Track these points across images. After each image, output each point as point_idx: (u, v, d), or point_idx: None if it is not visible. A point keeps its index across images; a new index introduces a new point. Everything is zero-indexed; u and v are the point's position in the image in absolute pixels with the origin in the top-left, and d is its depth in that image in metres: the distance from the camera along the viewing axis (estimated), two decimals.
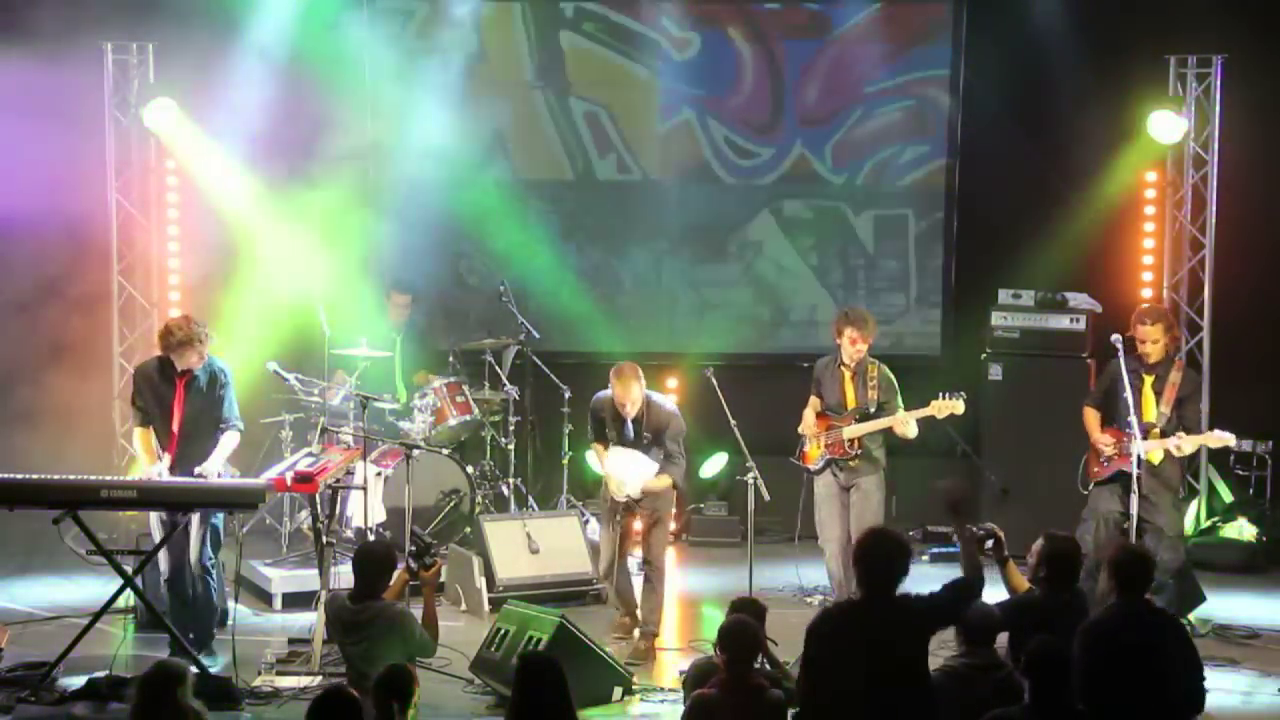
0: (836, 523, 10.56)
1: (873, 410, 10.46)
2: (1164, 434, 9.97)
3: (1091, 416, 10.25)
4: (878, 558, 7.02)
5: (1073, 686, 6.92)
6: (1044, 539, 8.09)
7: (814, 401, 10.70)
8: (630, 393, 10.04)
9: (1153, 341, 10.08)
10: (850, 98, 13.17)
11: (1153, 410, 10.00)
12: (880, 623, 6.90)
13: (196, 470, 9.44)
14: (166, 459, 9.53)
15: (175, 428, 9.54)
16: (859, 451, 10.46)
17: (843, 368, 10.53)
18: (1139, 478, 9.70)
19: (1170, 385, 10.06)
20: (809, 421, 10.63)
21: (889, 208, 13.27)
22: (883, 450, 10.60)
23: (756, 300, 13.37)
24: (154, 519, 9.69)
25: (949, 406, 10.40)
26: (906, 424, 10.34)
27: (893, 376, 10.56)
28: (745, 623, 7.32)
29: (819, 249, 13.34)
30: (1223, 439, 10.14)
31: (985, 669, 7.46)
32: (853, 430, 10.44)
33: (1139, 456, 9.67)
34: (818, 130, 13.23)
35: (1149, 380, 10.06)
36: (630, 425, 10.15)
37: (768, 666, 8.56)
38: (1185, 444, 9.96)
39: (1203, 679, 7.48)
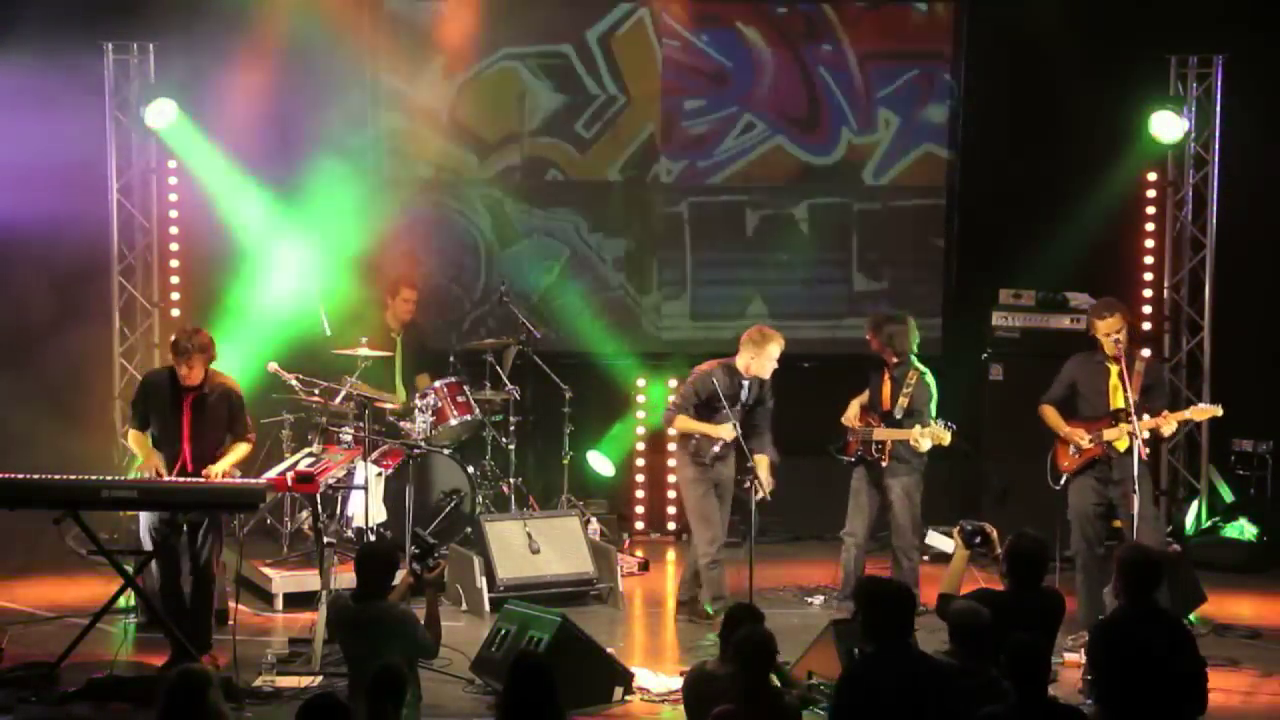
0: (860, 518, 10.65)
1: (899, 416, 10.50)
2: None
3: (1052, 413, 10.21)
4: (877, 607, 7.10)
5: (1045, 683, 6.89)
6: (1012, 538, 8.08)
7: (863, 394, 10.75)
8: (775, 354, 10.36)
9: (1116, 333, 10.00)
10: (844, 98, 13.16)
11: (1121, 398, 10.00)
12: (899, 682, 6.91)
13: (205, 471, 9.41)
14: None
15: (187, 448, 9.52)
16: (889, 454, 10.50)
17: (885, 369, 10.61)
18: (1109, 468, 9.69)
19: (1136, 374, 10.05)
20: (852, 414, 10.67)
21: (884, 205, 13.24)
22: (914, 452, 10.59)
23: (756, 299, 13.32)
24: (144, 528, 9.65)
25: (930, 434, 10.42)
26: (921, 439, 10.38)
27: (932, 386, 10.59)
28: (762, 634, 7.24)
29: (816, 248, 13.30)
30: (1207, 410, 10.12)
31: (964, 673, 7.37)
32: (880, 434, 10.51)
33: (1138, 454, 9.65)
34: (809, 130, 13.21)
35: (1114, 370, 10.03)
36: (748, 390, 10.39)
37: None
38: (1165, 424, 9.95)
39: (1205, 681, 7.49)
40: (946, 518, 12.44)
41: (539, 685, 6.69)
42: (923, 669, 7.02)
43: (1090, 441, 10.02)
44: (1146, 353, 11.34)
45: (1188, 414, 10.31)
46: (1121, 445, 9.91)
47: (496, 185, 13.13)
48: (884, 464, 10.55)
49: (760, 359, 10.35)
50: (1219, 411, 10.15)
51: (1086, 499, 10.08)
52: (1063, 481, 10.18)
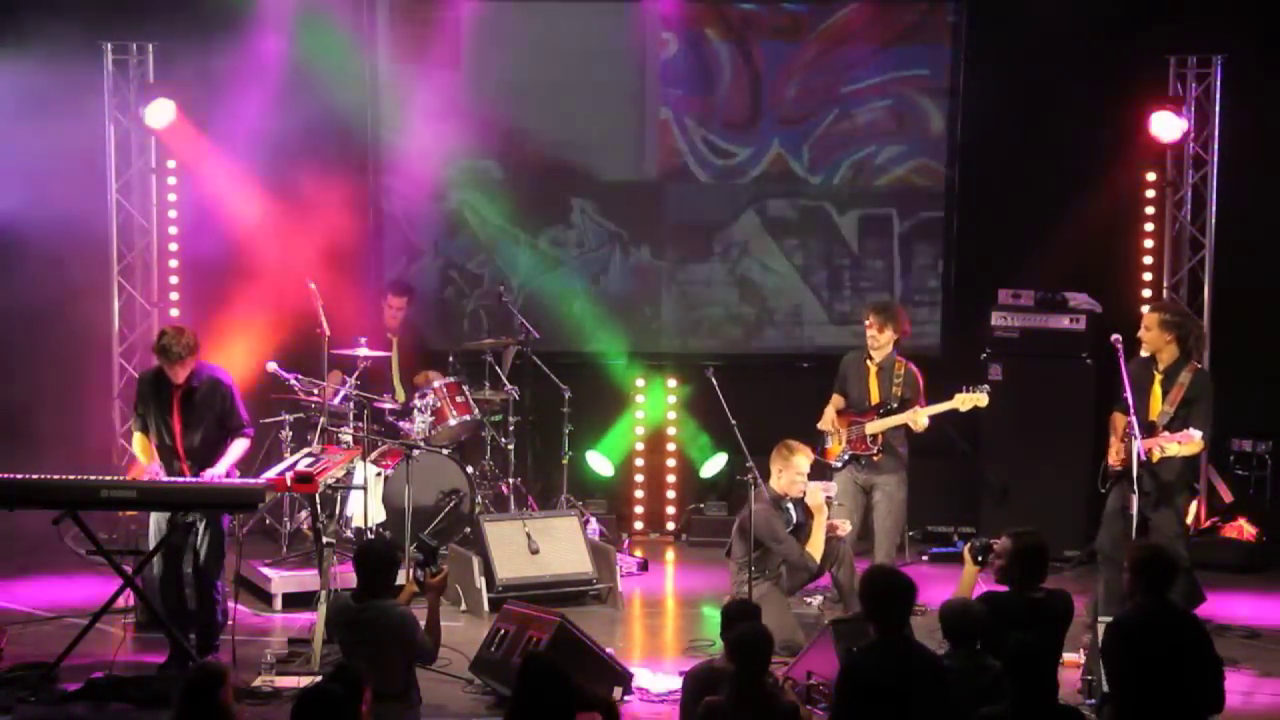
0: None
1: (895, 406, 10.49)
2: (1168, 432, 9.92)
3: (1114, 418, 10.10)
4: (884, 597, 7.12)
5: (1053, 685, 6.89)
6: (1008, 537, 8.07)
7: (836, 399, 10.72)
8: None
9: (1145, 329, 9.99)
10: (834, 97, 13.14)
11: (1158, 406, 9.97)
12: (898, 672, 6.94)
13: (205, 475, 9.38)
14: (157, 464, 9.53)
15: (179, 442, 9.48)
16: (881, 447, 10.48)
17: (869, 362, 10.59)
18: (1140, 476, 9.65)
19: (1178, 385, 9.99)
20: (829, 417, 10.63)
21: (874, 206, 13.22)
22: (906, 448, 10.62)
23: (754, 300, 13.31)
24: (153, 524, 9.66)
25: (972, 399, 10.44)
26: (918, 417, 10.38)
27: (918, 375, 10.61)
28: (758, 631, 7.24)
29: (806, 248, 13.27)
30: (1189, 437, 9.80)
31: (969, 673, 7.34)
32: (875, 426, 10.47)
33: (1137, 455, 9.62)
34: (793, 130, 13.18)
35: (1159, 378, 10.01)
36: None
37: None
38: (1168, 446, 9.79)
39: (1222, 680, 7.48)
40: (946, 518, 12.53)
41: (550, 685, 6.67)
42: (919, 662, 7.03)
43: (1121, 451, 9.95)
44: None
45: (1174, 437, 9.92)
46: (1154, 456, 9.80)
47: (503, 183, 13.15)
48: (876, 459, 10.52)
49: (789, 472, 10.02)
50: (1196, 436, 9.80)
51: (1115, 501, 10.04)
52: (1108, 485, 10.14)
